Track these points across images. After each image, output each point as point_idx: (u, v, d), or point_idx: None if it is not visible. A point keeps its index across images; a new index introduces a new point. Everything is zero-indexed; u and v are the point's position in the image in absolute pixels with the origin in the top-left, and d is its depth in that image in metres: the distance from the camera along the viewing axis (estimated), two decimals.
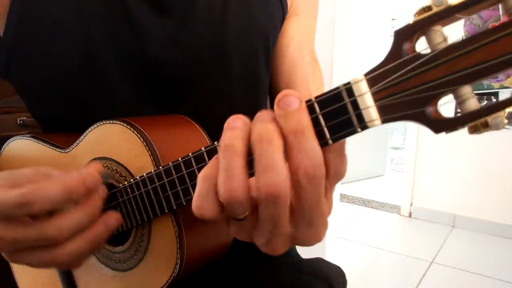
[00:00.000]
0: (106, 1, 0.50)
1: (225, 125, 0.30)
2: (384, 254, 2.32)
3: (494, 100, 2.33)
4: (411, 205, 2.79)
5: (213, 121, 0.51)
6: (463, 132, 0.27)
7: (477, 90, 2.33)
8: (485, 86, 2.35)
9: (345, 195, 3.24)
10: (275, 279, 0.61)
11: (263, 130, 0.28)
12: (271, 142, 0.27)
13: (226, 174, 0.28)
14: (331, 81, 1.62)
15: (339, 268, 0.66)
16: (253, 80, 0.60)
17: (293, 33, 0.63)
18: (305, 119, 0.28)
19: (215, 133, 0.50)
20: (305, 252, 0.72)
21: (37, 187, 0.35)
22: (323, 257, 0.68)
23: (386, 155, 3.78)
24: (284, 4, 0.61)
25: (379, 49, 3.38)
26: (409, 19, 0.25)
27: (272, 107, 0.29)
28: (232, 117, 0.30)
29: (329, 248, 1.79)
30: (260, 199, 0.27)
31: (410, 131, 2.71)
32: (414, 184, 2.75)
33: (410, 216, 2.80)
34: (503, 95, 2.32)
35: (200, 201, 0.30)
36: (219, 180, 0.29)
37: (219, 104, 0.58)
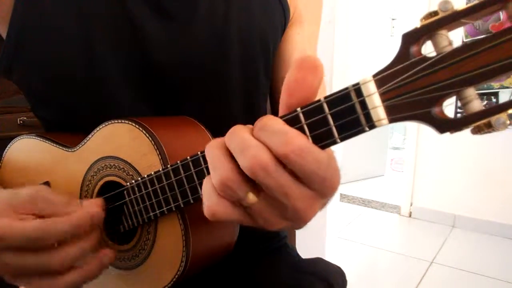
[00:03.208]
0: (107, 4, 0.51)
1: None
2: (384, 254, 2.32)
3: (494, 100, 2.34)
4: (411, 205, 2.79)
5: (211, 124, 0.52)
6: (464, 132, 0.28)
7: (478, 90, 2.32)
8: (485, 86, 2.35)
9: (345, 195, 3.24)
10: (275, 279, 0.62)
11: (233, 129, 0.31)
12: (239, 129, 0.30)
13: (211, 167, 0.31)
14: (331, 81, 1.63)
15: (339, 268, 0.67)
16: (252, 85, 0.60)
17: (297, 40, 0.63)
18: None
19: (214, 135, 0.51)
20: (305, 252, 0.73)
21: (50, 223, 0.38)
22: (323, 257, 0.68)
23: (386, 155, 3.79)
24: (286, 10, 0.61)
25: (379, 49, 3.38)
26: (409, 19, 0.26)
27: (273, 113, 0.30)
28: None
29: (329, 248, 1.79)
30: (252, 176, 0.29)
31: (410, 131, 2.71)
32: (414, 184, 2.75)
33: (410, 216, 2.80)
34: (503, 95, 2.33)
35: (209, 201, 0.31)
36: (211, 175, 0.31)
37: (218, 107, 0.58)
